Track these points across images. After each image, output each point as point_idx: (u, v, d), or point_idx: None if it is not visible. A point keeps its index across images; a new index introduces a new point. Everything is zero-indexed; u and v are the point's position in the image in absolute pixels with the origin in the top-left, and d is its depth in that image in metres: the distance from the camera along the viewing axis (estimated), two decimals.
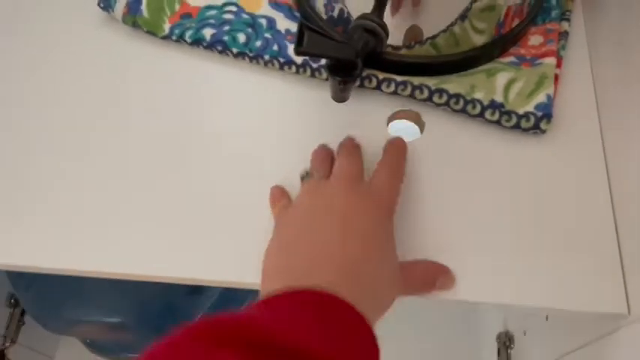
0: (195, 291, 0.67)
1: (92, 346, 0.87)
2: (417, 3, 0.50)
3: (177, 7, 0.48)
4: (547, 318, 0.53)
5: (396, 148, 0.42)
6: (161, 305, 0.66)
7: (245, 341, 0.24)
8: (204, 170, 0.43)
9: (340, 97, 0.42)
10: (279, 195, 0.41)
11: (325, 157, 0.41)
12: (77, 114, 0.46)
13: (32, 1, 0.52)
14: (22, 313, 0.91)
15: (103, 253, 0.40)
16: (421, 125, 0.46)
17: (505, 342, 0.66)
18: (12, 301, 0.89)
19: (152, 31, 0.48)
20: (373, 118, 0.45)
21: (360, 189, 0.38)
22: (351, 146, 0.41)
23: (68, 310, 0.68)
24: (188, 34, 0.47)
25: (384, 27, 0.42)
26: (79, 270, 0.40)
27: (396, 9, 0.51)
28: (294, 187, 0.41)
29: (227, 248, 0.40)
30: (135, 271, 0.40)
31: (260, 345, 0.24)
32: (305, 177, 0.41)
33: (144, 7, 0.48)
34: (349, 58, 0.39)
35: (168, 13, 0.48)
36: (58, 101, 0.47)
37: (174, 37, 0.48)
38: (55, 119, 0.46)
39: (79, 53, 0.49)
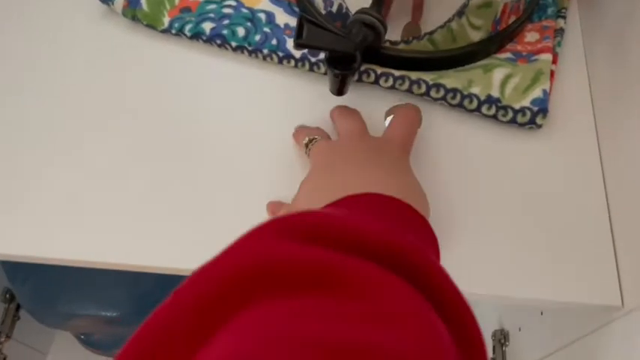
0: None
1: (87, 342, 0.87)
2: (418, 19, 0.50)
3: (176, 0, 0.49)
4: (542, 313, 0.53)
5: (408, 105, 0.43)
6: (158, 299, 0.65)
7: (332, 237, 0.22)
8: (202, 163, 0.43)
9: (338, 90, 0.42)
10: (278, 205, 0.41)
11: (312, 128, 0.43)
12: (76, 106, 0.46)
13: None
14: (18, 308, 0.91)
15: (100, 243, 0.40)
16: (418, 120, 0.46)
17: (500, 339, 0.67)
18: (7, 296, 0.89)
19: (152, 25, 0.48)
20: (371, 113, 0.45)
21: (371, 139, 0.39)
22: (344, 107, 0.43)
23: (65, 304, 0.68)
24: (187, 28, 0.48)
25: (382, 22, 0.42)
26: (75, 260, 0.40)
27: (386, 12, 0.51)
28: (291, 179, 0.42)
29: (226, 240, 0.40)
30: (132, 261, 0.40)
31: (341, 241, 0.22)
32: (309, 143, 0.41)
33: (144, 0, 0.48)
34: (348, 51, 0.39)
35: (168, 7, 0.48)
36: (57, 93, 0.47)
37: (173, 31, 0.48)
38: (54, 111, 0.46)
39: (78, 46, 0.49)
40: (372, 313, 0.19)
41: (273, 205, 0.41)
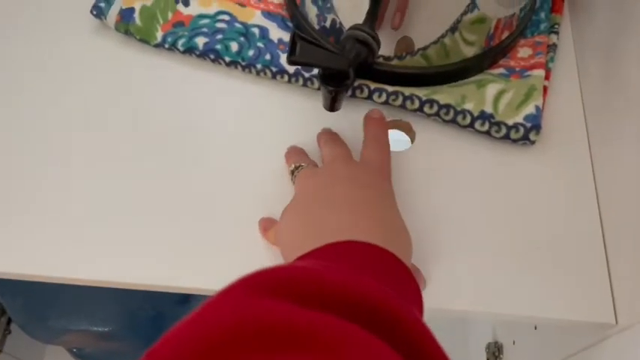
0: (185, 300, 0.67)
1: (79, 355, 0.86)
2: (399, 24, 0.50)
3: (170, 15, 0.49)
4: (536, 327, 0.53)
5: (375, 121, 0.43)
6: (150, 314, 0.65)
7: (311, 294, 0.22)
8: (195, 178, 0.43)
9: (331, 106, 0.42)
10: (270, 221, 0.41)
11: (301, 151, 0.43)
12: (68, 121, 0.46)
13: (24, 9, 0.52)
14: (9, 321, 0.89)
15: (91, 261, 0.40)
16: (412, 135, 0.46)
17: (494, 352, 0.66)
18: None
19: (145, 39, 0.48)
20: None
21: (354, 165, 0.39)
22: (330, 133, 0.43)
23: (56, 319, 0.67)
24: (181, 43, 0.47)
25: (375, 38, 0.42)
26: (65, 278, 0.40)
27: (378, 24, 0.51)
28: (284, 193, 0.41)
29: (217, 257, 0.40)
30: (123, 279, 0.40)
31: (317, 297, 0.22)
32: (295, 170, 0.41)
33: (137, 15, 0.48)
34: (341, 68, 0.39)
35: (161, 22, 0.48)
36: (50, 108, 0.46)
37: (166, 46, 0.48)
38: (45, 127, 0.45)
39: (71, 60, 0.49)
40: None
41: (264, 222, 0.41)
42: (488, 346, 0.67)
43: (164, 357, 0.19)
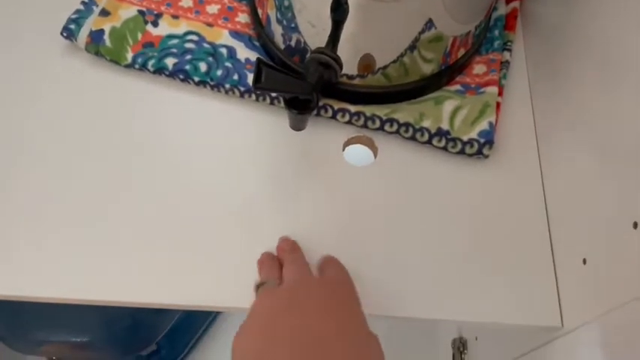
0: (161, 308, 0.68)
1: None
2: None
3: (139, 36, 0.50)
4: None
5: (333, 259, 0.42)
6: (127, 323, 0.67)
7: None
8: (168, 196, 0.45)
9: (297, 126, 0.44)
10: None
11: (272, 264, 0.41)
12: (39, 141, 0.47)
13: None
14: None
15: (69, 280, 0.41)
16: (374, 150, 0.48)
17: (459, 347, 0.69)
18: None
19: (115, 60, 0.49)
20: (330, 144, 0.47)
21: (314, 279, 0.39)
22: (290, 248, 0.42)
23: (35, 331, 0.68)
24: (150, 63, 0.49)
25: (337, 60, 0.44)
26: (44, 297, 0.41)
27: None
28: (251, 211, 0.44)
29: (194, 274, 0.42)
30: (102, 297, 0.41)
31: None
32: (260, 286, 0.40)
33: (106, 36, 0.49)
34: (305, 94, 0.41)
35: (131, 42, 0.50)
36: (20, 129, 0.48)
37: (136, 66, 0.49)
38: (17, 146, 0.47)
39: (42, 82, 0.50)
40: None
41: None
42: (453, 342, 0.70)
43: None
